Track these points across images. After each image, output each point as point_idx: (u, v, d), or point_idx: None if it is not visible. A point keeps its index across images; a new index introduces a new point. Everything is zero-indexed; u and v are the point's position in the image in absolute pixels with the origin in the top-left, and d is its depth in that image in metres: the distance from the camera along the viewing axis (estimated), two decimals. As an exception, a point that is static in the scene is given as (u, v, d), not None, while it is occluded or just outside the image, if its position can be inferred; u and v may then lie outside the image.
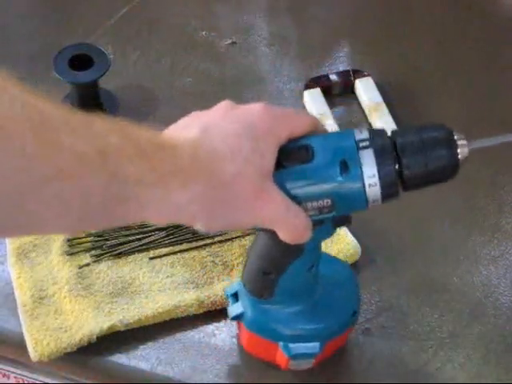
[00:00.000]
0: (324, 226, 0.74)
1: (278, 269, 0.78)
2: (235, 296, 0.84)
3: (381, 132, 0.71)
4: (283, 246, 0.74)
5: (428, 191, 1.03)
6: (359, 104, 1.12)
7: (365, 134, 0.71)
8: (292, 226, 0.70)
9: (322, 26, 1.24)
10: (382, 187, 0.70)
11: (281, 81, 1.16)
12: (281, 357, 0.84)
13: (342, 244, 0.95)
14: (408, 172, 0.71)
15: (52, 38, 1.20)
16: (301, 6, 1.28)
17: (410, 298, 0.94)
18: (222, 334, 0.89)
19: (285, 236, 0.71)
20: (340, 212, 0.72)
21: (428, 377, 0.89)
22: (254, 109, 0.68)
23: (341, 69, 1.16)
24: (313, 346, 0.83)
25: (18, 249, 0.96)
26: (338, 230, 0.95)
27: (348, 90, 1.14)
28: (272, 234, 0.73)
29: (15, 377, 0.95)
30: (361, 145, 0.70)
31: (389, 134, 0.72)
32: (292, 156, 0.70)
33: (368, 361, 0.89)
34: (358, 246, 0.95)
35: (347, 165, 0.70)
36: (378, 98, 1.10)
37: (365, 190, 0.70)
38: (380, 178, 0.70)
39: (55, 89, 1.12)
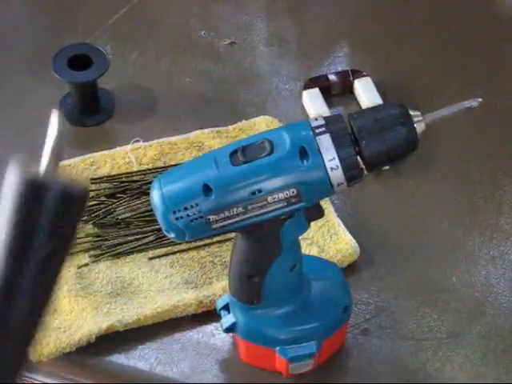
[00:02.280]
0: (297, 221, 0.75)
1: (260, 271, 0.79)
2: (226, 308, 0.85)
3: (337, 117, 0.73)
4: (260, 247, 0.76)
5: (428, 191, 1.04)
6: (358, 104, 1.12)
7: (320, 121, 0.72)
8: None
9: (321, 26, 1.24)
10: (344, 169, 0.71)
11: (280, 81, 1.16)
12: (280, 362, 0.84)
13: (341, 244, 0.95)
14: (368, 152, 0.72)
15: (51, 37, 1.20)
16: (300, 6, 1.28)
17: (409, 298, 0.94)
18: (221, 334, 0.89)
19: None
20: (309, 201, 0.73)
21: (427, 377, 0.89)
22: None
23: (340, 69, 1.16)
24: (309, 346, 0.84)
25: (17, 249, 0.96)
26: (336, 229, 0.97)
27: (347, 90, 1.14)
28: (248, 237, 0.75)
29: (14, 377, 0.95)
30: (317, 131, 0.71)
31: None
32: (253, 151, 0.72)
33: (367, 361, 0.89)
34: (357, 245, 0.95)
35: (306, 152, 0.71)
36: (377, 98, 1.10)
37: (327, 174, 0.71)
38: (340, 160, 0.71)
39: (54, 89, 1.12)
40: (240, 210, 0.72)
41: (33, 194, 0.53)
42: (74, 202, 0.54)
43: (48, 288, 0.55)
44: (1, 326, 0.55)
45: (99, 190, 1.01)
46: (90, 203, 1.00)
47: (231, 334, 0.89)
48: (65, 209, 0.53)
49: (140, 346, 0.90)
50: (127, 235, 0.97)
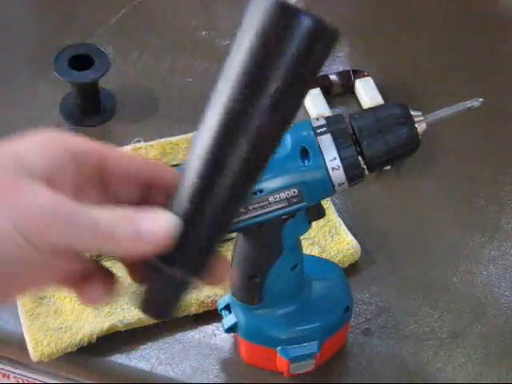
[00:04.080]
0: (298, 220, 0.75)
1: (261, 271, 0.79)
2: (227, 308, 0.85)
3: (338, 117, 0.73)
4: (261, 247, 0.76)
5: (429, 191, 1.04)
6: (359, 104, 1.12)
7: (322, 121, 0.72)
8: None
9: (321, 26, 1.24)
10: (345, 169, 0.71)
11: (281, 81, 1.16)
12: (281, 362, 0.84)
13: (342, 244, 0.95)
14: (369, 152, 0.72)
15: (52, 38, 1.20)
16: (300, 5, 1.27)
17: (410, 298, 0.94)
18: (223, 334, 0.89)
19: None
20: (310, 201, 0.73)
21: (428, 377, 0.89)
22: None
23: (341, 69, 1.16)
24: (311, 346, 0.84)
25: (18, 249, 0.96)
26: (338, 229, 0.97)
27: (348, 90, 1.14)
28: (249, 237, 0.75)
29: (15, 377, 0.95)
30: (318, 131, 0.71)
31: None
32: None
33: (368, 361, 0.89)
34: (358, 245, 0.95)
35: (307, 152, 0.71)
36: (378, 98, 1.10)
37: (329, 174, 0.71)
38: (342, 160, 0.71)
39: (55, 89, 1.12)
40: (241, 210, 0.72)
41: (282, 19, 0.47)
42: (325, 38, 0.47)
43: (276, 127, 0.50)
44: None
45: (100, 190, 1.01)
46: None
47: (232, 334, 0.89)
48: (315, 42, 0.47)
49: (141, 346, 0.90)
50: (128, 235, 0.97)
